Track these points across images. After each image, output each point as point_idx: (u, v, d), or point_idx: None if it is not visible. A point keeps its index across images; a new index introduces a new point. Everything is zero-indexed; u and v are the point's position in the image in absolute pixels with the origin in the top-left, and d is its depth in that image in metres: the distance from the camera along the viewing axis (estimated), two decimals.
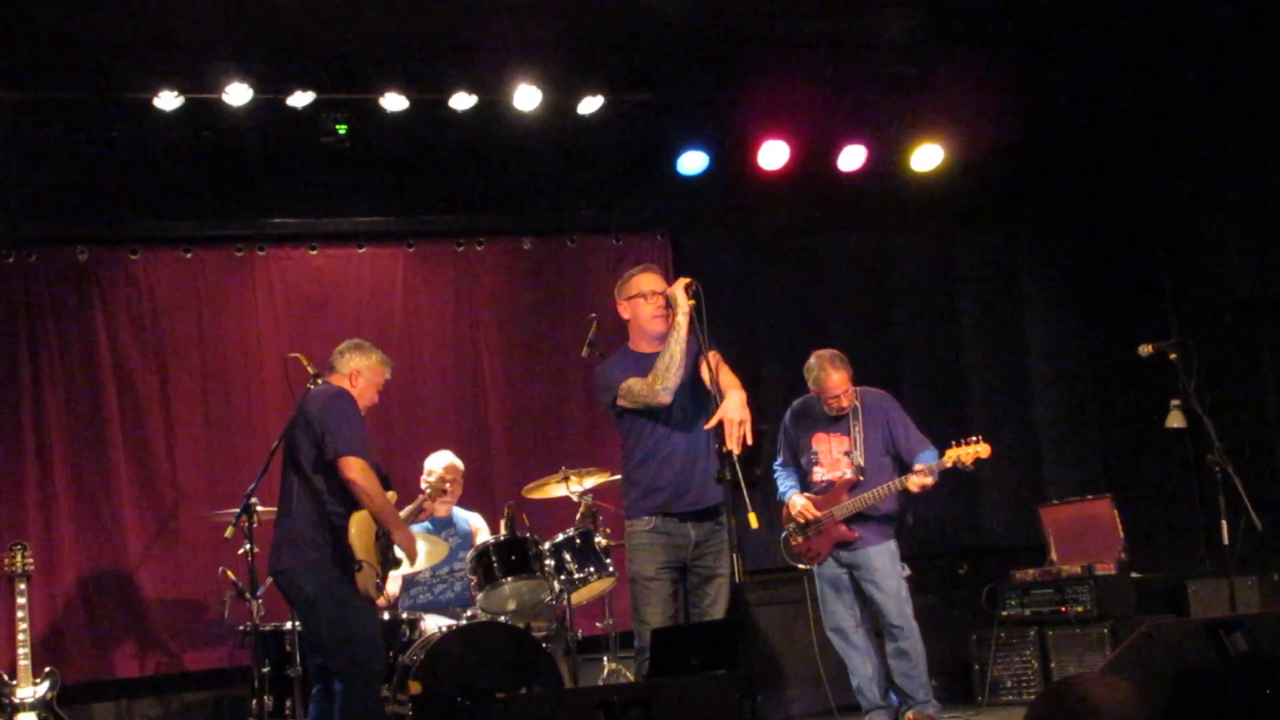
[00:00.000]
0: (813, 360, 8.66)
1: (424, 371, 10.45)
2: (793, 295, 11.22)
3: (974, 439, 8.31)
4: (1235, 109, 10.30)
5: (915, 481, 8.35)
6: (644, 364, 7.30)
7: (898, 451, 8.59)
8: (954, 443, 8.36)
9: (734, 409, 6.85)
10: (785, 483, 8.78)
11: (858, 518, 8.48)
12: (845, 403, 8.60)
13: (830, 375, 8.57)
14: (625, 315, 7.54)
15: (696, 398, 7.35)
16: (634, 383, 7.29)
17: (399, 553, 7.51)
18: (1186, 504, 10.71)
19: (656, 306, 7.32)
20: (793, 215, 11.04)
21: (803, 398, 8.86)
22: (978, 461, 8.36)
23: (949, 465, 8.34)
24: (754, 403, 10.53)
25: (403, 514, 8.00)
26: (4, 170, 9.31)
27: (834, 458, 8.64)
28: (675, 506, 7.32)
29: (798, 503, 8.60)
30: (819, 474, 8.66)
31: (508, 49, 9.24)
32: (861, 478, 8.51)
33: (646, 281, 7.44)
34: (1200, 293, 10.72)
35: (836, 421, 8.66)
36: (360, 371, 7.59)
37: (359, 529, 7.14)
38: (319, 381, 7.61)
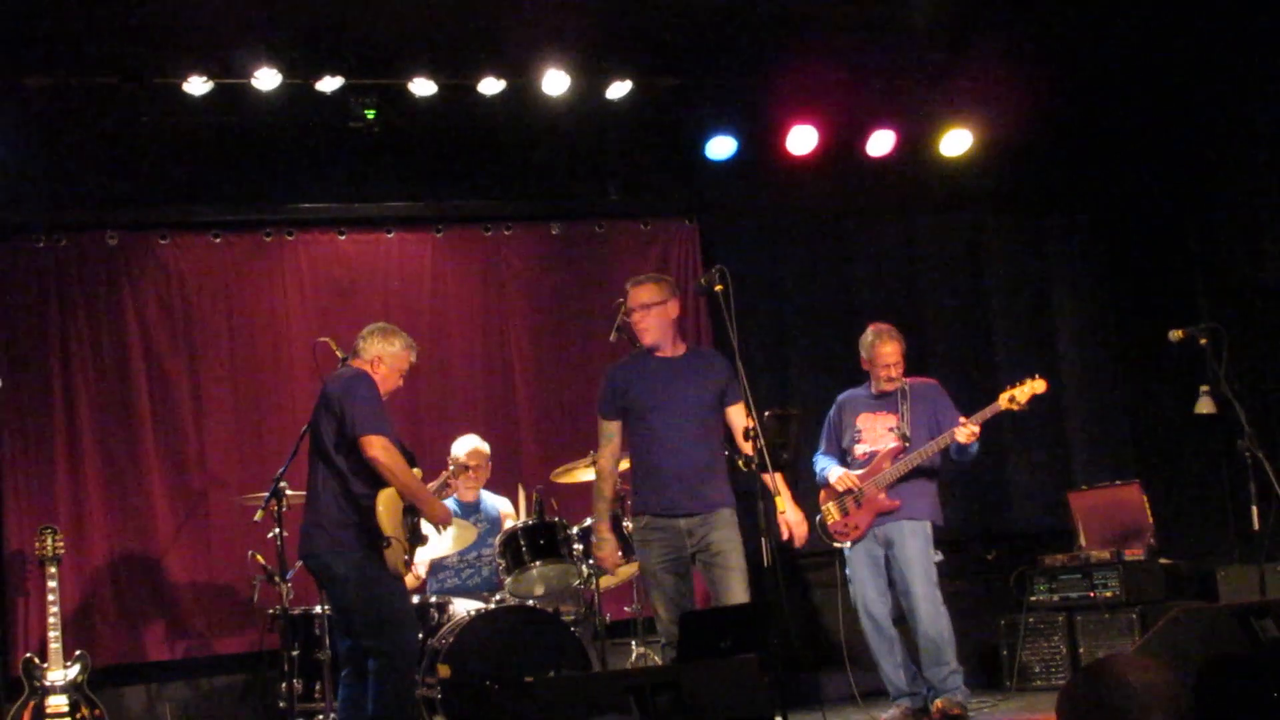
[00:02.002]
0: (869, 331, 8.73)
1: (452, 356, 10.45)
2: (821, 280, 11.19)
3: (1031, 377, 8.32)
4: (1266, 93, 10.24)
5: (963, 431, 8.30)
6: (648, 368, 7.61)
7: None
8: (1007, 385, 8.36)
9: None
10: (825, 462, 8.77)
11: (898, 489, 8.47)
12: (895, 374, 8.61)
13: (885, 344, 8.62)
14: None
15: (689, 403, 7.47)
16: (603, 452, 7.75)
17: (426, 529, 7.54)
18: (1216, 490, 10.67)
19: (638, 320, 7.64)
20: (821, 200, 11.01)
21: (848, 390, 8.88)
22: (1034, 399, 8.34)
23: (1002, 407, 8.33)
24: (782, 387, 10.63)
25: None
26: (35, 155, 9.34)
27: (878, 433, 8.63)
28: (670, 510, 7.50)
29: (837, 471, 8.59)
30: (860, 449, 8.65)
31: (536, 34, 9.25)
32: (907, 444, 8.49)
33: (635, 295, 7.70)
34: (1231, 278, 10.67)
35: (882, 402, 8.66)
36: (383, 358, 7.59)
37: (386, 506, 7.16)
38: (344, 365, 7.64)
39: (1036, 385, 8.33)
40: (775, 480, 7.13)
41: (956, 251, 11.58)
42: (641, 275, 7.88)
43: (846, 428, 8.78)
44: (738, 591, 7.33)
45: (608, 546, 7.76)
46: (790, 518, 7.42)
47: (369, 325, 7.73)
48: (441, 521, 7.59)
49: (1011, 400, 8.34)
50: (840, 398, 8.94)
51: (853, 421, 8.76)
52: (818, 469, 8.79)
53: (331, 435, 7.32)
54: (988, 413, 8.38)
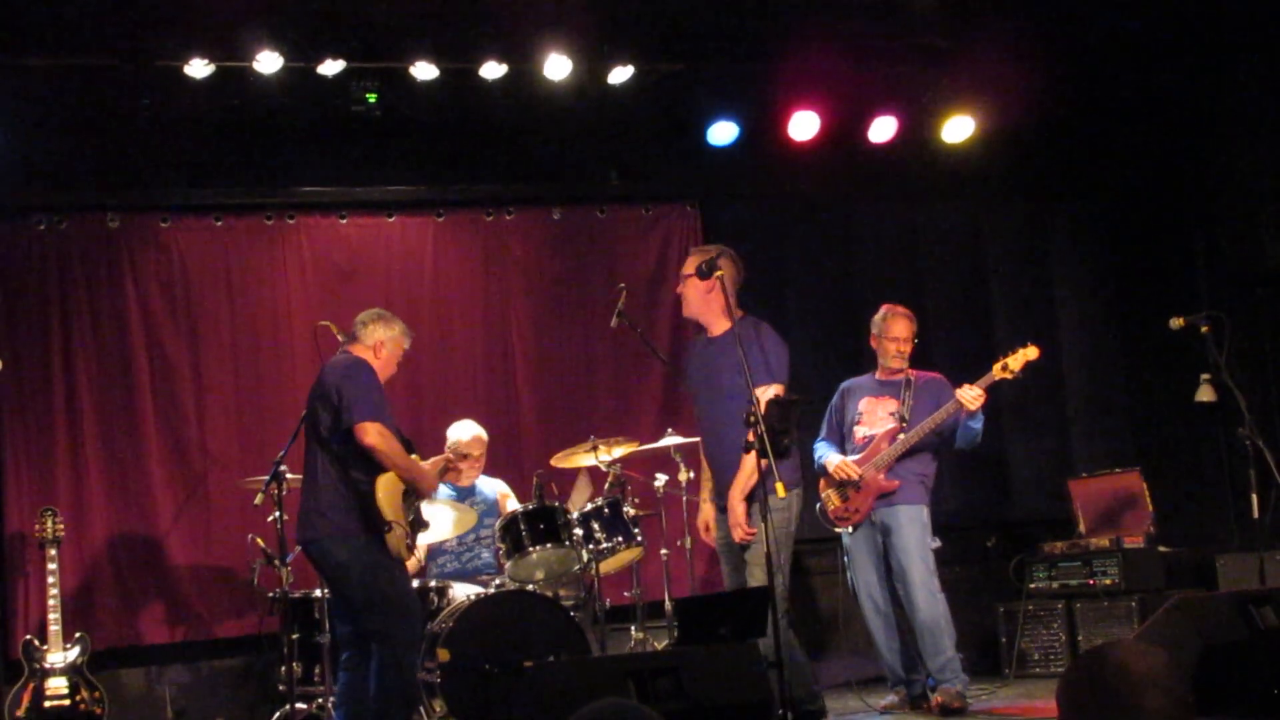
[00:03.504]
0: (882, 308, 8.76)
1: (453, 340, 10.44)
2: (822, 266, 11.19)
3: (1023, 345, 8.31)
4: (1268, 80, 10.23)
5: (969, 393, 8.27)
6: (696, 349, 7.92)
7: (944, 431, 8.56)
8: (999, 356, 8.35)
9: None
10: (823, 449, 8.76)
11: (896, 471, 8.46)
12: (904, 349, 8.62)
13: (898, 321, 8.69)
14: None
15: (717, 384, 7.54)
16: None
17: (427, 514, 7.57)
18: (1216, 477, 10.68)
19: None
20: (823, 186, 11.00)
21: (853, 378, 8.89)
22: (1027, 366, 8.33)
23: (996, 377, 8.32)
24: None
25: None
26: (35, 137, 9.34)
27: (878, 416, 8.62)
28: (720, 494, 7.71)
29: (835, 459, 8.58)
30: (860, 432, 8.65)
31: (538, 18, 9.23)
32: (904, 426, 8.48)
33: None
34: (1232, 266, 10.66)
35: (886, 388, 8.67)
36: (384, 343, 7.62)
37: (386, 491, 7.18)
38: (341, 351, 7.66)
39: (1029, 352, 8.32)
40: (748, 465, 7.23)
41: (958, 238, 11.58)
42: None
43: (849, 411, 8.78)
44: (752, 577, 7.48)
45: (699, 515, 8.01)
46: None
47: (365, 311, 7.75)
48: (430, 492, 7.66)
49: (1005, 368, 8.32)
50: (844, 385, 8.94)
51: (855, 406, 8.76)
52: (816, 455, 8.78)
53: (328, 421, 7.33)
54: (982, 383, 8.36)
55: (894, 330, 8.67)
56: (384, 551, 7.19)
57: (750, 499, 7.45)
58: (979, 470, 10.64)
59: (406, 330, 7.78)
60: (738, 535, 7.53)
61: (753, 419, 6.83)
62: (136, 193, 9.99)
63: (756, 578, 7.41)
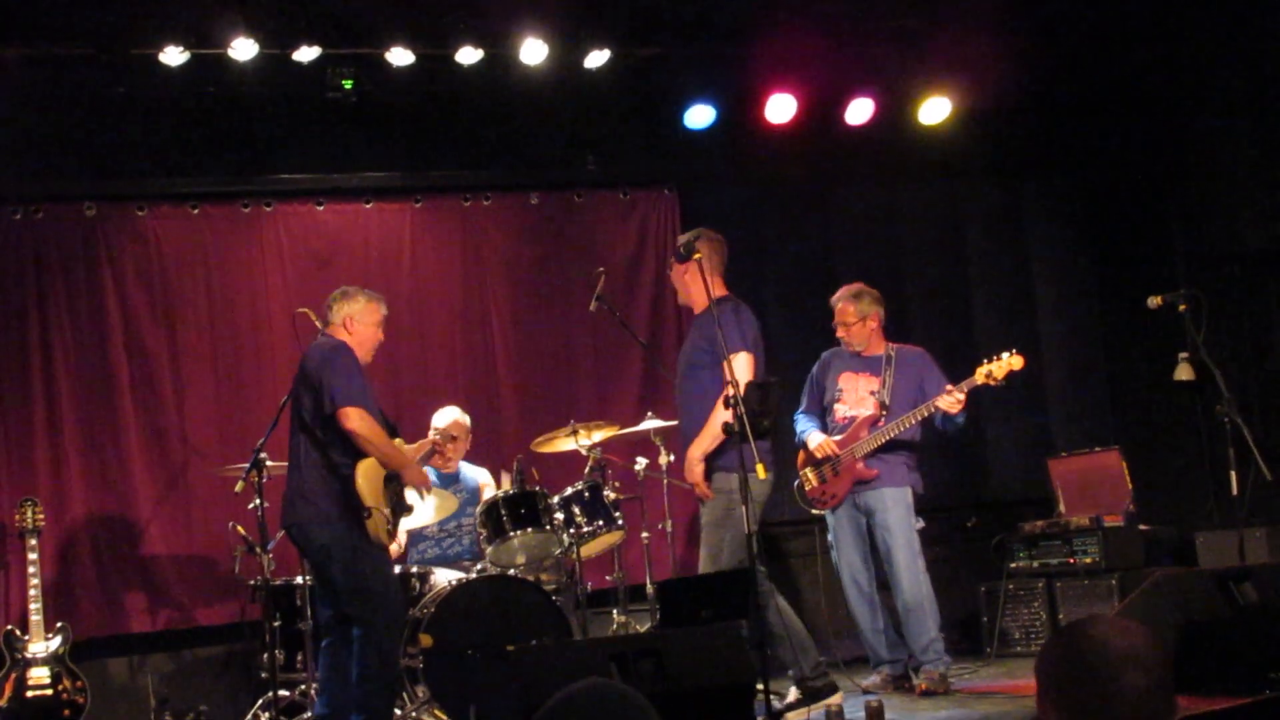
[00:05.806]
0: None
1: (432, 326, 10.43)
2: (800, 248, 11.20)
3: (1008, 352, 8.30)
4: (1245, 59, 10.25)
5: (947, 400, 8.27)
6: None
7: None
8: (985, 359, 8.34)
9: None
10: (805, 424, 8.76)
11: (877, 457, 8.46)
12: (860, 332, 8.60)
13: (837, 305, 8.73)
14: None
15: (681, 365, 7.69)
16: None
17: (410, 497, 7.57)
18: (1195, 455, 10.69)
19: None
20: (800, 168, 10.99)
21: (835, 348, 8.87)
22: (1010, 375, 8.33)
23: (979, 382, 8.31)
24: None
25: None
26: (11, 126, 9.29)
27: (859, 396, 8.62)
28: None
29: (817, 438, 8.58)
30: (841, 411, 8.65)
31: (514, 3, 9.22)
32: (884, 413, 8.48)
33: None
34: (1209, 244, 10.69)
35: (866, 363, 8.66)
36: (353, 317, 7.65)
37: (366, 476, 7.19)
38: (321, 336, 7.67)
39: (1014, 361, 8.27)
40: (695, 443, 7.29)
41: (936, 219, 11.60)
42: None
43: (829, 385, 8.77)
44: (701, 565, 7.57)
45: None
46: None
47: (331, 294, 7.80)
48: (421, 486, 7.63)
49: (989, 376, 8.31)
50: (825, 354, 8.93)
51: (835, 380, 8.75)
52: (798, 429, 8.79)
53: (310, 407, 7.35)
54: (964, 386, 8.38)
55: (837, 314, 8.72)
56: (365, 537, 7.20)
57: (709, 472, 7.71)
58: (959, 450, 10.66)
59: (373, 296, 7.80)
60: (698, 492, 7.70)
61: (732, 400, 6.85)
62: (113, 181, 9.95)
63: (701, 558, 7.58)
